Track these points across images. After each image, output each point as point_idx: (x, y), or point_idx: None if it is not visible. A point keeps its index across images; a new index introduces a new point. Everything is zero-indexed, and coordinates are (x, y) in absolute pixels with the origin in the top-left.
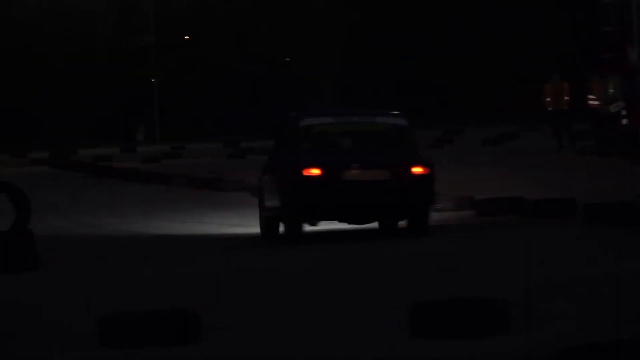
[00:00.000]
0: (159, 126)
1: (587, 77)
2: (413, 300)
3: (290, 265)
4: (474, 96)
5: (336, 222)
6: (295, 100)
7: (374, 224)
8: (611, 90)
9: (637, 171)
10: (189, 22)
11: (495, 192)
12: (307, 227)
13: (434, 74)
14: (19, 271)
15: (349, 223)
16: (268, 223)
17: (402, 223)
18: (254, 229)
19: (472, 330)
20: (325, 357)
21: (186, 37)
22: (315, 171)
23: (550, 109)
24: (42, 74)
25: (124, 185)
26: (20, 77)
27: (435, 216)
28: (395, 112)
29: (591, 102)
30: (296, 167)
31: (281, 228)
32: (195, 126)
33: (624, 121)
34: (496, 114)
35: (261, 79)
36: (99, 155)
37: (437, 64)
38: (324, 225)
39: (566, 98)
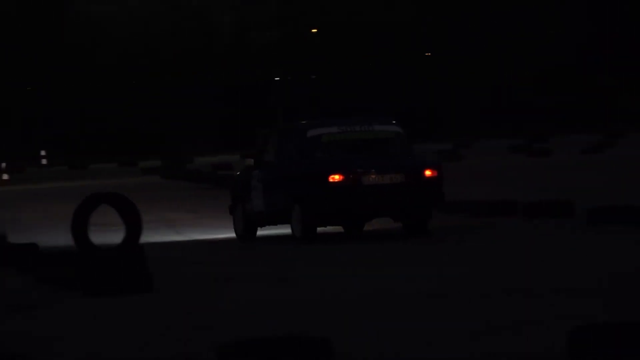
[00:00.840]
0: None
1: None
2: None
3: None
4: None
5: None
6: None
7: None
8: None
9: None
10: (317, 13)
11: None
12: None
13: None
14: (130, 292)
15: (363, 223)
16: (249, 225)
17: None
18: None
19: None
20: None
21: (314, 30)
22: (338, 177)
23: None
24: (155, 72)
25: None
26: (130, 77)
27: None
28: (390, 120)
29: None
30: (320, 174)
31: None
32: None
33: None
34: None
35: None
36: (218, 163)
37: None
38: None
39: None
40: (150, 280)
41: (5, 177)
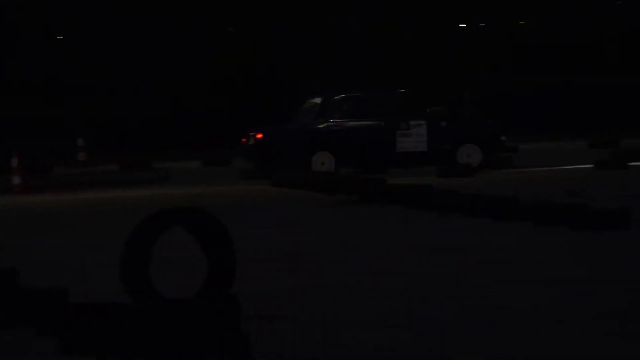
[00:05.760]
0: None
1: None
2: None
3: None
4: None
5: None
6: None
7: None
8: None
9: None
10: None
11: None
12: None
13: None
14: None
15: None
16: None
17: None
18: None
19: None
20: None
21: None
22: None
23: None
24: None
25: None
26: None
27: None
28: None
29: None
30: None
31: None
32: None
33: None
34: None
35: None
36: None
37: None
38: None
39: None
40: (245, 345)
41: (17, 180)
